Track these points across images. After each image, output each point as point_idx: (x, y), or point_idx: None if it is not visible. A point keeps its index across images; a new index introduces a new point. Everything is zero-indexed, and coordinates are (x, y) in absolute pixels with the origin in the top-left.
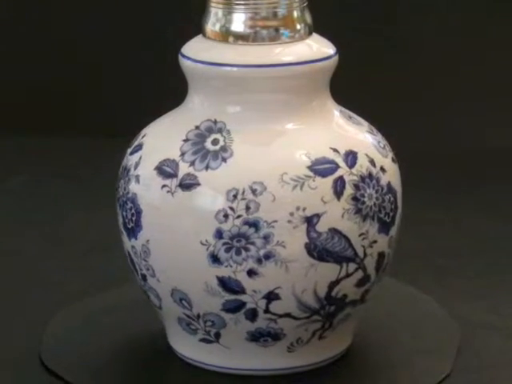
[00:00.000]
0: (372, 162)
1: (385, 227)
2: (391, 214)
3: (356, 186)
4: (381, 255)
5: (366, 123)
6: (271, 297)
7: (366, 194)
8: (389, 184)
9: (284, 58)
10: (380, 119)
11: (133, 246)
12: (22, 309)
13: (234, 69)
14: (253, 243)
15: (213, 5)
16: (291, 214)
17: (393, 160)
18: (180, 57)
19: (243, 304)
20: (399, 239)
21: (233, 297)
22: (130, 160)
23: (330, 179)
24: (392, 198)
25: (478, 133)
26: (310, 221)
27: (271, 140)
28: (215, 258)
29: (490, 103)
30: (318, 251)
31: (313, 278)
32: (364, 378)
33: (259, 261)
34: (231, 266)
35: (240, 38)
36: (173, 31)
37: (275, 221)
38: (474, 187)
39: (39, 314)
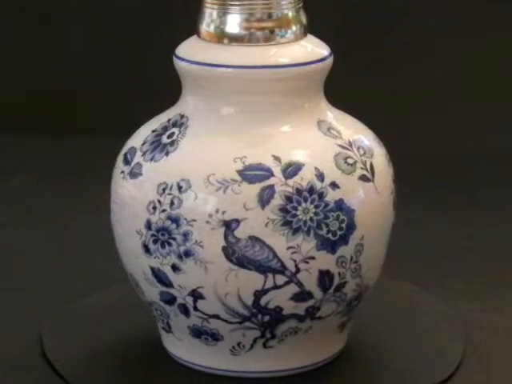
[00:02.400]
0: (320, 176)
1: (328, 245)
2: (340, 233)
3: (288, 198)
4: (324, 273)
5: (348, 133)
6: (196, 295)
7: (299, 208)
8: (340, 201)
9: (278, 59)
10: (379, 119)
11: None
12: (22, 308)
13: (229, 70)
14: (174, 239)
15: (207, 5)
16: (210, 216)
17: (364, 178)
18: (174, 58)
19: (174, 298)
20: (399, 239)
21: (165, 289)
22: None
23: (257, 186)
24: (343, 217)
25: (478, 133)
26: (229, 225)
27: (222, 140)
28: (146, 248)
29: (490, 103)
30: (236, 257)
31: (234, 283)
32: (362, 380)
33: (180, 257)
34: (159, 258)
35: (235, 39)
36: (173, 31)
37: (194, 220)
38: (474, 187)
39: (39, 313)
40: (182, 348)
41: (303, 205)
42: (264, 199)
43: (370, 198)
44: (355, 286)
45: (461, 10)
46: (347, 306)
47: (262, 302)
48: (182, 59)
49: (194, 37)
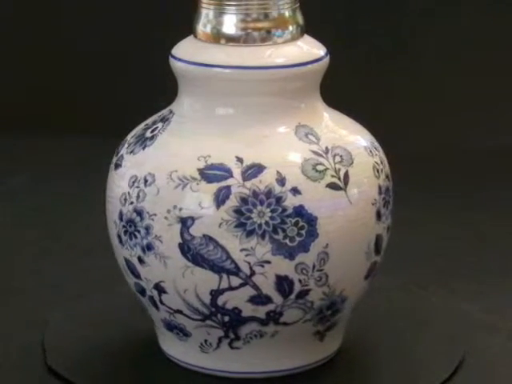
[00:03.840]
0: (281, 181)
1: (285, 250)
2: (299, 240)
3: (243, 200)
4: (282, 279)
5: (332, 137)
6: (159, 288)
7: (254, 210)
8: (300, 207)
9: (274, 59)
10: (379, 119)
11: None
12: (22, 309)
13: (225, 70)
14: (139, 231)
15: (204, 6)
16: (168, 212)
17: (333, 187)
18: (170, 58)
19: (144, 289)
20: (399, 239)
21: (136, 280)
22: None
23: (214, 186)
24: (302, 224)
25: (478, 133)
26: (185, 222)
27: (195, 138)
28: (120, 239)
29: (490, 103)
30: (192, 254)
31: (191, 280)
32: (361, 380)
33: (143, 250)
34: (128, 249)
35: (231, 39)
36: (173, 31)
37: (155, 214)
38: (474, 187)
39: (39, 313)
40: (165, 343)
41: (258, 208)
42: (219, 199)
43: (339, 207)
44: (322, 294)
45: (461, 9)
46: (318, 314)
47: (220, 301)
48: (179, 59)
49: (191, 37)
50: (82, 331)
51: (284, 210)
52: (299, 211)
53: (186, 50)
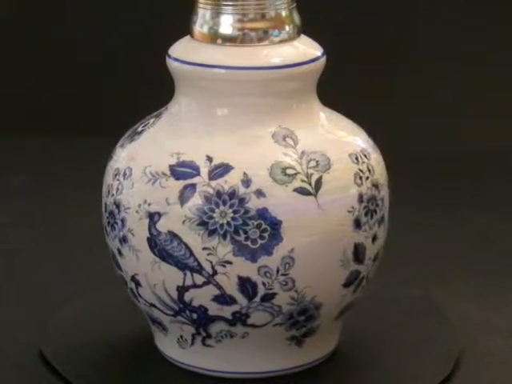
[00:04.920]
0: (246, 182)
1: (246, 252)
2: (262, 243)
3: (207, 199)
4: (245, 280)
5: (305, 144)
6: (135, 281)
7: (217, 210)
8: (263, 210)
9: (271, 60)
10: (379, 120)
11: None
12: (22, 309)
13: (221, 71)
14: (117, 223)
15: (200, 6)
16: (139, 206)
17: (301, 191)
18: (167, 58)
19: (126, 282)
20: (399, 239)
21: (119, 271)
22: None
23: (181, 183)
24: (265, 226)
25: (478, 133)
26: (152, 217)
27: (177, 136)
28: (106, 229)
29: (490, 103)
30: (158, 249)
31: (159, 274)
32: (358, 380)
33: (120, 242)
34: (110, 241)
35: (228, 39)
36: (173, 31)
37: (129, 207)
38: (474, 187)
39: (39, 313)
40: (156, 338)
41: (221, 208)
42: (184, 197)
43: (308, 212)
44: (290, 299)
45: (460, 8)
46: (289, 319)
47: (186, 298)
48: (175, 59)
49: (188, 37)
50: (81, 331)
51: (247, 211)
52: (262, 214)
53: (182, 50)
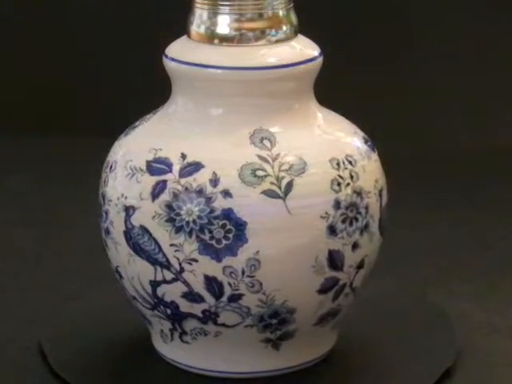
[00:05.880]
0: (214, 181)
1: (211, 252)
2: (227, 243)
3: (175, 196)
4: (211, 279)
5: (283, 147)
6: (118, 273)
7: (184, 208)
8: (229, 210)
9: (267, 59)
10: (379, 120)
11: None
12: (22, 308)
13: (218, 71)
14: (102, 215)
15: (198, 6)
16: (118, 199)
17: (270, 194)
18: (164, 58)
19: (114, 273)
20: (399, 239)
21: (109, 263)
22: None
23: (154, 179)
24: (230, 227)
25: (478, 133)
26: (127, 211)
27: (162, 132)
28: (99, 221)
29: (490, 103)
30: (133, 243)
31: (134, 268)
32: (359, 380)
33: (105, 233)
34: (101, 231)
35: (225, 39)
36: (172, 31)
37: (110, 200)
38: (474, 187)
39: (39, 313)
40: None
41: (188, 205)
42: (155, 192)
43: (276, 215)
44: (259, 301)
45: (460, 8)
46: (260, 321)
47: (159, 293)
48: (172, 59)
49: (184, 37)
50: (81, 331)
51: (212, 211)
52: (227, 214)
53: (179, 50)
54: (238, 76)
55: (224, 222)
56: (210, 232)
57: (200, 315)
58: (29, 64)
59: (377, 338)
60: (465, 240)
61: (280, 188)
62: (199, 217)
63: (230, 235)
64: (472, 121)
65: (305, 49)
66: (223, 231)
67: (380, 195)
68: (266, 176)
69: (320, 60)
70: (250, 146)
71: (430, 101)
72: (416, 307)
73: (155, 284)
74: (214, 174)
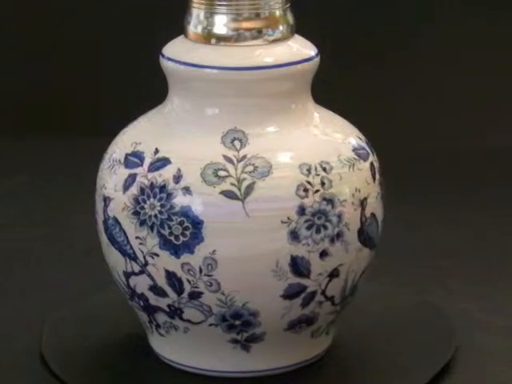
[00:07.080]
0: (177, 178)
1: (171, 247)
2: (183, 240)
3: (142, 190)
4: (171, 275)
5: (253, 148)
6: (105, 262)
7: (148, 202)
8: (187, 208)
9: (264, 59)
10: (377, 120)
11: None
12: (22, 309)
13: (214, 71)
14: (93, 205)
15: (195, 6)
16: (100, 189)
17: (228, 195)
18: (160, 57)
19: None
20: (399, 239)
21: None
22: None
23: (127, 172)
24: (187, 224)
25: (478, 133)
26: (105, 201)
27: (157, 131)
28: None
29: (490, 103)
30: (108, 233)
31: (111, 258)
32: (360, 377)
33: (95, 222)
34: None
35: (222, 39)
36: (172, 31)
37: (96, 190)
38: (474, 187)
39: (39, 313)
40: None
41: (151, 200)
42: (126, 185)
43: (233, 217)
44: (218, 301)
45: (461, 8)
46: (223, 321)
47: (131, 284)
48: (169, 59)
49: (182, 37)
50: (81, 331)
51: (172, 207)
52: (185, 212)
53: (176, 50)
54: (235, 76)
55: (182, 219)
56: (170, 228)
57: (167, 309)
58: (29, 64)
59: (376, 338)
60: (465, 240)
61: (240, 189)
62: (160, 212)
63: (188, 232)
64: (472, 121)
65: (301, 48)
66: (181, 228)
67: (362, 204)
68: (226, 177)
69: (317, 60)
70: (219, 145)
71: (430, 101)
72: (415, 307)
73: (127, 275)
74: (179, 170)
